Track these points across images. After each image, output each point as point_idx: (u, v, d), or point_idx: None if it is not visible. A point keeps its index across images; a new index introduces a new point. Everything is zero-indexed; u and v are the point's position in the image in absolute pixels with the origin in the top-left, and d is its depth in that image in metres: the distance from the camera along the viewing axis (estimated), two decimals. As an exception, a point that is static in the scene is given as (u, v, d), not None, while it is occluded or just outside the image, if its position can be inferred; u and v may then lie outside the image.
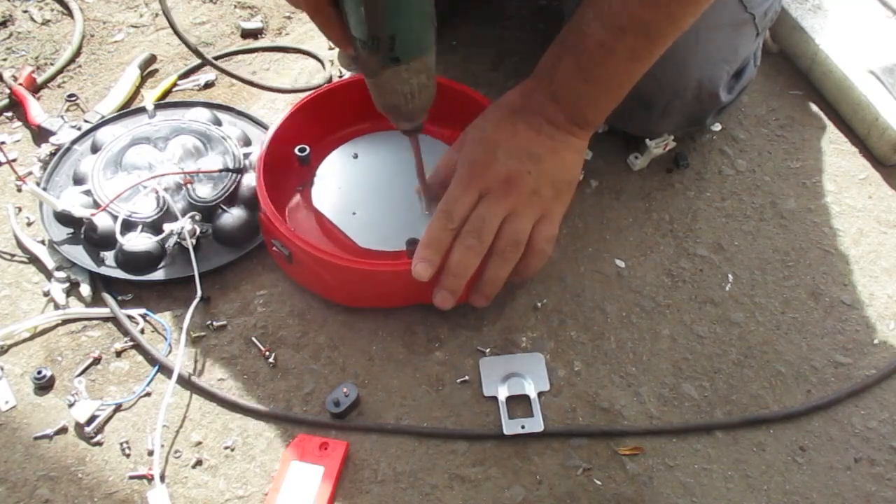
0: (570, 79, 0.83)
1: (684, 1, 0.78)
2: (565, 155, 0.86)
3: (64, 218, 0.94)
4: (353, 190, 0.94)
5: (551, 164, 0.84)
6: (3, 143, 1.07)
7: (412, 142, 0.85)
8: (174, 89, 1.14)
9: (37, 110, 1.07)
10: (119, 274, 0.91)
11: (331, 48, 1.19)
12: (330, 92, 0.97)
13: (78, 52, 1.19)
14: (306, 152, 0.94)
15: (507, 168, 0.83)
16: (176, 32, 1.01)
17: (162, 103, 1.09)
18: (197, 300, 0.87)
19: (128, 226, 0.92)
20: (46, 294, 0.92)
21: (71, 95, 1.12)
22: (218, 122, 1.04)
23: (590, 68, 0.82)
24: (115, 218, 0.92)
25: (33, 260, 0.94)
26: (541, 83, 0.85)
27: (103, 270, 0.91)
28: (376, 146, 0.98)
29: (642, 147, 1.02)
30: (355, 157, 0.97)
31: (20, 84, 1.10)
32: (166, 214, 0.93)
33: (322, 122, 0.99)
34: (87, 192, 0.95)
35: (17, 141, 1.07)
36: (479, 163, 0.84)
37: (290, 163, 0.96)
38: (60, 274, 0.91)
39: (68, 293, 0.91)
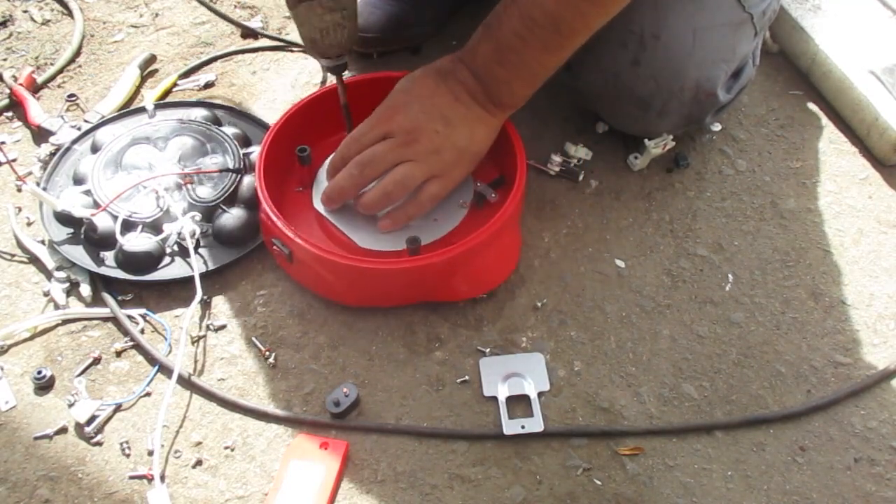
0: (489, 61, 0.86)
1: (595, 1, 0.80)
2: (477, 127, 0.88)
3: (64, 218, 0.94)
4: None
5: (461, 131, 0.87)
6: (2, 143, 1.07)
7: (337, 81, 0.91)
8: (174, 89, 1.14)
9: (37, 110, 1.07)
10: (119, 274, 0.91)
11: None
12: (330, 93, 0.97)
13: (78, 52, 1.19)
14: (307, 152, 0.94)
15: (415, 120, 0.86)
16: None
17: (162, 103, 1.09)
18: (197, 300, 0.87)
19: (128, 226, 0.92)
20: (46, 294, 0.92)
21: (71, 95, 1.12)
22: (218, 122, 1.04)
23: (505, 54, 0.84)
24: (115, 218, 0.92)
25: (33, 260, 0.94)
26: (464, 58, 0.88)
27: (103, 270, 0.91)
28: None
29: (642, 147, 1.02)
30: None
31: (20, 84, 1.10)
32: (166, 214, 0.93)
33: (322, 122, 0.99)
34: (87, 193, 0.95)
35: (17, 141, 1.07)
36: (392, 108, 0.87)
37: (290, 163, 0.96)
38: (60, 274, 0.91)
39: (68, 293, 0.91)
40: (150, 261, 0.91)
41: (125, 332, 0.88)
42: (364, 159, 0.87)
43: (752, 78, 1.02)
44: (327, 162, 0.95)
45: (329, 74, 0.94)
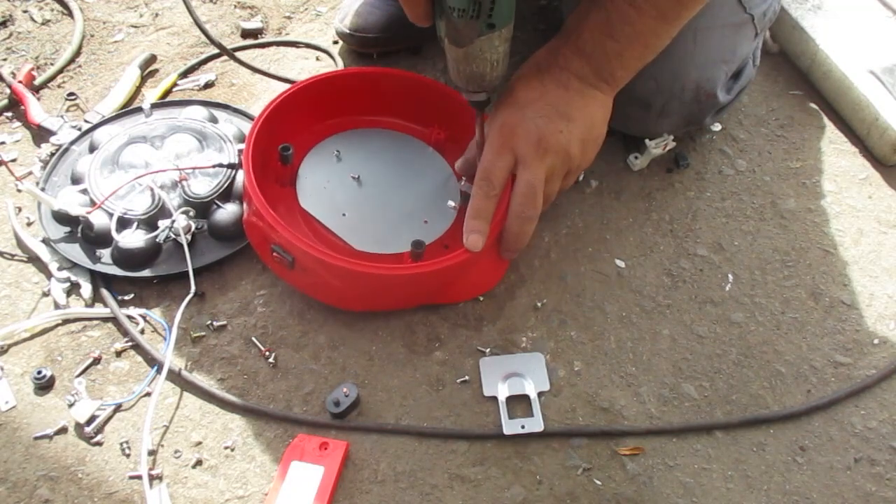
0: (597, 35, 0.82)
1: None
2: (594, 111, 0.85)
3: (61, 217, 0.94)
4: (339, 190, 0.93)
5: (581, 121, 0.84)
6: (2, 143, 1.07)
7: (478, 118, 0.85)
8: (174, 89, 1.14)
9: (37, 109, 1.07)
10: (115, 270, 0.91)
11: (335, 42, 1.20)
12: (303, 88, 0.95)
13: (78, 52, 1.19)
14: (290, 151, 0.91)
15: (537, 128, 0.82)
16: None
17: (158, 102, 1.09)
18: (191, 295, 0.88)
19: (123, 223, 0.93)
20: (46, 294, 0.92)
21: (71, 94, 1.12)
22: (214, 120, 1.04)
23: (617, 25, 0.81)
24: (110, 215, 0.92)
25: (33, 260, 0.94)
26: (568, 39, 0.84)
27: (99, 268, 0.91)
28: (357, 144, 0.98)
29: (642, 147, 1.02)
30: (337, 154, 0.96)
31: (19, 81, 1.10)
32: (161, 211, 0.93)
33: (297, 118, 0.96)
34: (84, 191, 0.95)
35: (17, 141, 1.07)
36: (509, 125, 0.83)
37: (270, 162, 0.93)
38: (61, 274, 0.91)
39: (69, 293, 0.91)
40: (146, 257, 0.92)
41: (125, 333, 0.88)
42: (528, 196, 0.83)
43: (752, 79, 1.02)
44: (316, 171, 0.94)
45: (472, 103, 0.85)
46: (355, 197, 0.93)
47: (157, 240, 0.92)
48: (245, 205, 0.90)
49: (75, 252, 0.92)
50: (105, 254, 0.92)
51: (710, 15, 0.90)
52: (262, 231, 0.85)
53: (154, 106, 1.07)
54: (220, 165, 0.97)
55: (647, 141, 1.01)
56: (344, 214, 0.91)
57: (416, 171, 0.96)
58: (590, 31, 0.83)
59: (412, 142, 0.99)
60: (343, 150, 0.97)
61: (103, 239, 0.92)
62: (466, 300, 0.91)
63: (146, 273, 0.91)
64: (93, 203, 0.93)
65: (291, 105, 0.94)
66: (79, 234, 0.94)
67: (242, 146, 0.99)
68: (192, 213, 0.94)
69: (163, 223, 0.92)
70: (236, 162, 0.97)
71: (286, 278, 0.89)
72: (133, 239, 0.91)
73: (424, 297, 0.89)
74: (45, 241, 0.94)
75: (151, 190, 0.94)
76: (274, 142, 0.91)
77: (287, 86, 1.00)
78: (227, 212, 0.94)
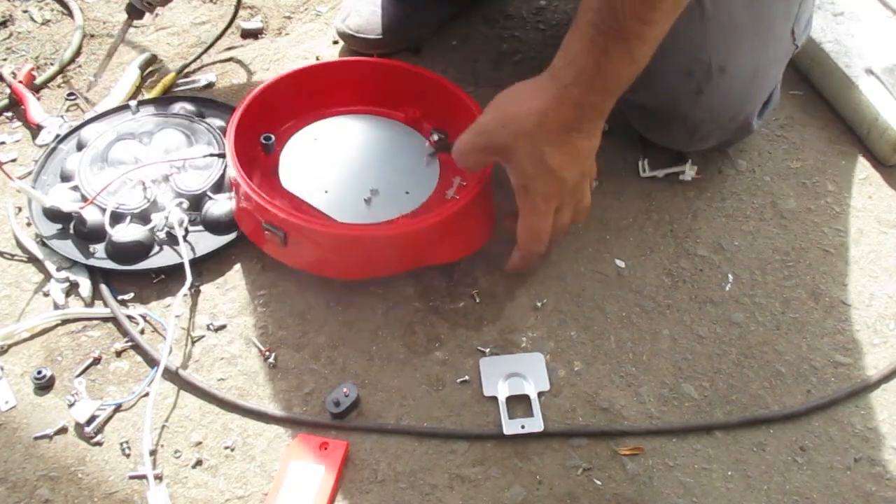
0: (622, 66, 0.76)
1: None
2: (595, 139, 0.83)
3: (52, 214, 0.94)
4: (320, 169, 0.96)
5: (593, 166, 0.86)
6: (2, 143, 1.07)
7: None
8: (174, 89, 1.14)
9: (36, 109, 1.07)
10: (109, 265, 0.91)
11: (335, 42, 1.20)
12: (283, 79, 1.00)
13: (78, 52, 1.19)
14: (272, 140, 0.96)
15: (574, 183, 0.83)
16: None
17: (145, 100, 1.10)
18: (187, 285, 0.88)
19: (116, 218, 0.93)
20: (46, 294, 0.92)
21: (70, 94, 1.12)
22: (202, 115, 1.05)
23: (638, 47, 0.75)
24: (103, 211, 0.92)
25: (33, 260, 0.94)
26: (593, 86, 0.77)
27: (93, 262, 0.91)
28: (335, 128, 1.02)
29: (653, 153, 1.03)
30: (317, 139, 1.00)
31: (19, 81, 1.10)
32: (154, 205, 0.94)
33: (278, 109, 1.01)
34: (75, 188, 0.95)
35: (17, 141, 1.07)
36: (553, 194, 0.83)
37: (256, 157, 0.97)
38: (60, 274, 0.91)
39: (68, 293, 0.91)
40: (141, 250, 0.92)
41: (125, 333, 0.88)
42: (531, 241, 0.86)
43: (777, 103, 1.02)
44: (284, 151, 0.97)
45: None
46: (336, 175, 0.96)
47: (153, 233, 0.93)
48: (234, 195, 0.93)
49: (68, 248, 0.93)
50: (99, 249, 0.93)
51: (771, 49, 0.90)
52: (252, 215, 0.88)
53: (141, 103, 1.07)
54: (211, 155, 0.98)
55: (686, 170, 1.02)
56: (326, 191, 0.94)
57: (393, 147, 1.00)
58: (615, 64, 0.76)
59: (388, 122, 1.03)
60: (322, 134, 1.00)
61: (96, 234, 0.92)
62: (459, 258, 0.92)
63: (141, 266, 0.91)
64: (84, 199, 0.94)
65: (270, 97, 0.99)
66: (71, 231, 0.94)
67: None
68: (185, 206, 0.94)
69: (156, 216, 0.93)
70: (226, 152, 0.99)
71: (281, 257, 0.90)
72: (128, 233, 0.91)
73: (418, 256, 0.89)
74: (37, 238, 0.94)
75: (143, 184, 0.95)
76: (256, 133, 0.96)
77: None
78: (219, 203, 0.95)
